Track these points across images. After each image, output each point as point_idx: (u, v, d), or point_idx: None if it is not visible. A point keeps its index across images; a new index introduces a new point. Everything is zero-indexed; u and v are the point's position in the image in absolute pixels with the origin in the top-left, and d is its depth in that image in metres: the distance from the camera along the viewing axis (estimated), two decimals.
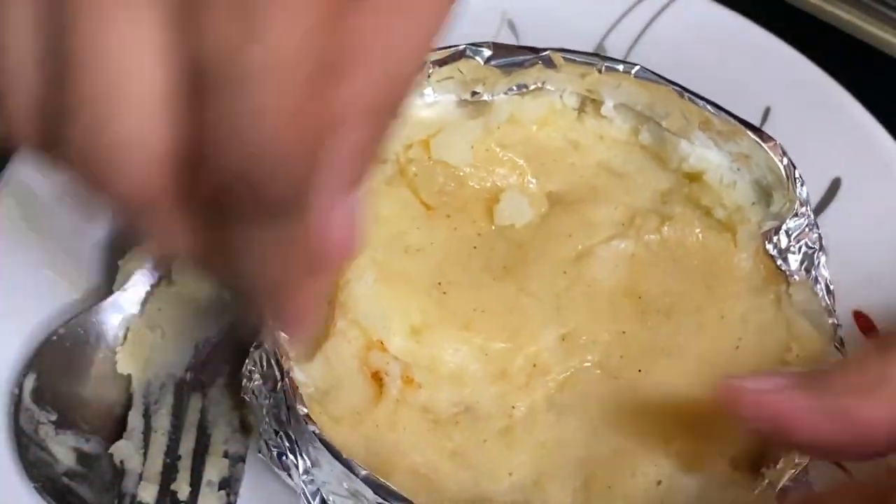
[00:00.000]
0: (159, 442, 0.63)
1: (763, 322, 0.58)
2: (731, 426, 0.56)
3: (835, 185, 0.70)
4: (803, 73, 0.74)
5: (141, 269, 0.66)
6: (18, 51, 0.41)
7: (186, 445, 0.63)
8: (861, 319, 0.65)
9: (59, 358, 0.63)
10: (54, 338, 0.63)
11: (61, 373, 0.63)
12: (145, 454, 0.62)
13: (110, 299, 0.65)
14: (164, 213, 0.43)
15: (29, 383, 0.62)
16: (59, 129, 0.42)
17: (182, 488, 0.61)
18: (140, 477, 0.62)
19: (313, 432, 0.53)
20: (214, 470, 0.62)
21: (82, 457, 0.62)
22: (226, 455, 0.63)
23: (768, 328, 0.59)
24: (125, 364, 0.64)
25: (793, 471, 0.54)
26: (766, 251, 0.61)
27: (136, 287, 0.66)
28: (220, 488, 0.62)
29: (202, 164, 0.40)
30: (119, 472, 0.62)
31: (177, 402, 0.64)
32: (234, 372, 0.64)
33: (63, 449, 0.61)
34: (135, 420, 0.63)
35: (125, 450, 0.62)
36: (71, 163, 0.42)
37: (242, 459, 0.63)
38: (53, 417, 0.62)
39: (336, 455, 0.53)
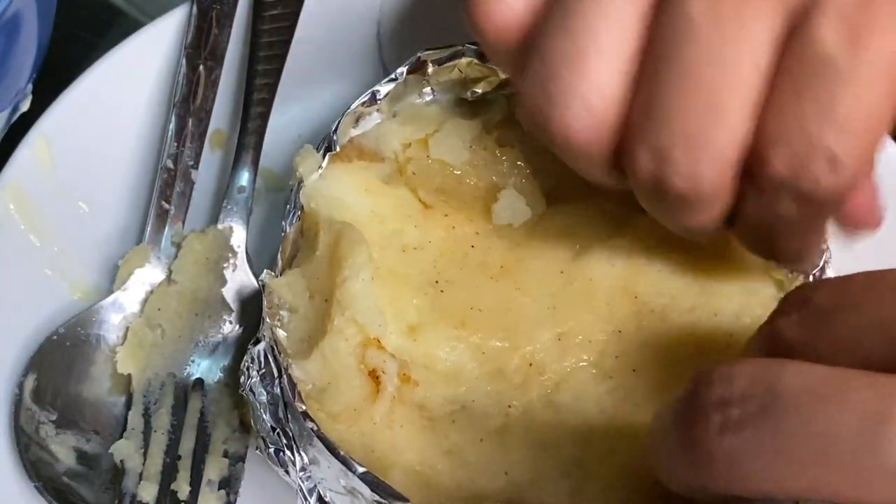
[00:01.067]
0: (159, 441, 0.63)
1: (756, 319, 0.58)
2: None
3: None
4: None
5: (141, 268, 0.66)
6: (611, 63, 0.47)
7: (186, 445, 0.63)
8: None
9: (59, 358, 0.64)
10: (54, 338, 0.64)
11: (61, 373, 0.63)
12: (145, 454, 0.63)
13: (110, 299, 0.66)
14: (715, 203, 0.49)
15: (29, 383, 0.62)
16: (638, 135, 0.47)
17: (182, 488, 0.62)
18: (140, 476, 0.62)
19: (311, 429, 0.53)
20: (214, 469, 0.63)
21: (82, 456, 0.62)
22: (226, 454, 0.63)
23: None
24: (125, 364, 0.64)
25: None
26: None
27: (136, 287, 0.66)
28: (219, 488, 0.62)
29: (759, 163, 0.45)
30: (119, 472, 0.62)
31: (177, 402, 0.64)
32: (234, 371, 0.64)
33: (63, 448, 0.62)
34: (135, 420, 0.64)
35: (125, 449, 0.62)
36: (636, 165, 0.48)
37: (242, 459, 0.63)
38: (54, 417, 0.62)
39: (334, 452, 0.53)
